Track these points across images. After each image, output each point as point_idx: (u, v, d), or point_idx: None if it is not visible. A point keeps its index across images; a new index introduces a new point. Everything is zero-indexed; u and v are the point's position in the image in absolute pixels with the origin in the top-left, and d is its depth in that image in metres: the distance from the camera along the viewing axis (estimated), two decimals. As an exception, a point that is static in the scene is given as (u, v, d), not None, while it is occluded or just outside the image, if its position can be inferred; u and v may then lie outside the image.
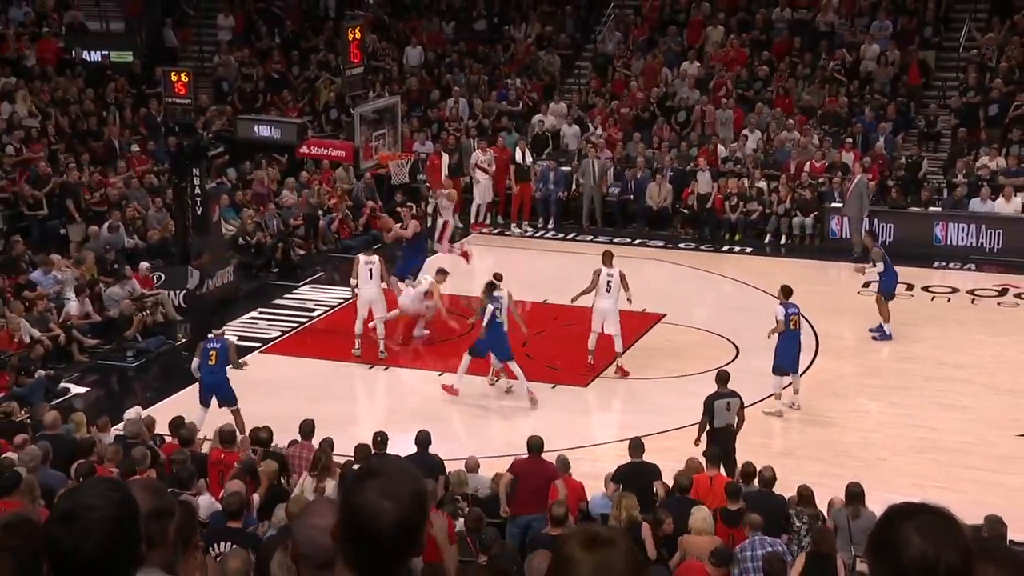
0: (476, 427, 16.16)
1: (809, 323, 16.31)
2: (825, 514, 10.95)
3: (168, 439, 12.80)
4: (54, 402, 15.23)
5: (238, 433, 12.60)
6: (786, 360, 15.26)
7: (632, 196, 24.07)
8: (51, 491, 9.71)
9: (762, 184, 23.53)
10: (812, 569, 9.56)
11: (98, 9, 29.06)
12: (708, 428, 13.05)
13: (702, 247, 22.95)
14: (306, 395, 15.65)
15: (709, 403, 13.08)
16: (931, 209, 22.67)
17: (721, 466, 11.99)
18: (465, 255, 19.41)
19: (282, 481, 11.65)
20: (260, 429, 12.33)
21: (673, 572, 9.63)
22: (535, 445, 11.57)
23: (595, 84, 27.22)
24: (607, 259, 16.65)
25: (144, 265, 19.24)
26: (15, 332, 16.50)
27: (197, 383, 14.71)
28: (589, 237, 23.42)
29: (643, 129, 25.47)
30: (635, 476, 11.42)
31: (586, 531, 2.63)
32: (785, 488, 11.22)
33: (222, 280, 19.59)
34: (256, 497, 10.81)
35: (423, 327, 17.86)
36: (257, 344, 17.78)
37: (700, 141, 25.01)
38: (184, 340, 18.00)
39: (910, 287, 19.72)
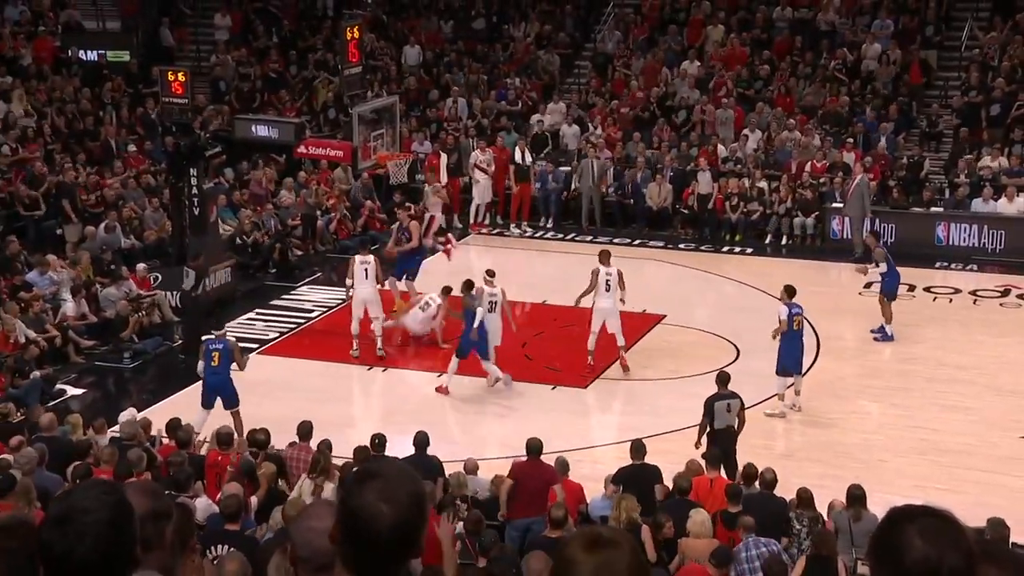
0: (475, 428, 16.16)
1: (810, 324, 16.31)
2: (825, 516, 10.94)
3: (165, 441, 12.80)
4: (50, 404, 15.23)
5: (235, 435, 12.61)
6: (789, 361, 15.26)
7: (632, 200, 24.05)
8: (47, 493, 9.70)
9: (763, 184, 23.53)
10: (813, 572, 9.56)
11: (94, 8, 29.07)
12: (708, 430, 13.05)
13: (702, 247, 22.96)
14: (304, 396, 15.65)
15: (709, 405, 13.08)
16: (933, 209, 22.67)
17: (722, 468, 11.99)
18: (447, 252, 19.34)
19: (280, 483, 11.67)
20: (258, 431, 12.33)
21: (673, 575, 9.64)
22: (534, 447, 11.57)
23: (595, 84, 27.23)
24: (604, 258, 16.66)
25: (141, 266, 19.24)
26: (10, 333, 16.48)
27: (199, 384, 14.70)
28: (589, 238, 23.42)
29: (643, 129, 25.48)
30: (636, 478, 11.42)
31: (588, 532, 2.63)
32: (786, 490, 11.22)
33: (219, 281, 19.59)
34: (254, 499, 10.82)
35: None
36: (255, 345, 17.77)
37: (700, 141, 25.02)
38: (180, 342, 18.00)
39: (912, 288, 19.73)
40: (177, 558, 3.28)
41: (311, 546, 2.99)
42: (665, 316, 18.80)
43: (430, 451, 12.09)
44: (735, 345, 17.52)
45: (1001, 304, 19.92)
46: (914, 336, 18.12)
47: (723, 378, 13.39)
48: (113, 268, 19.12)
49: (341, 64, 21.44)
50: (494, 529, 10.44)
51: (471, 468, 12.13)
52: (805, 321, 15.71)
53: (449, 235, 20.46)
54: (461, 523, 10.37)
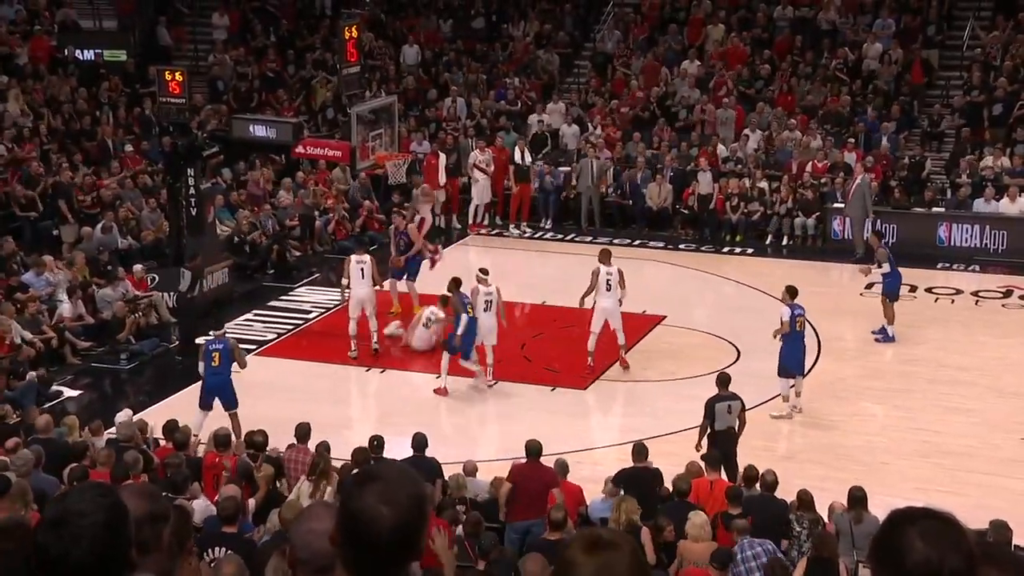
0: (473, 430, 16.17)
1: (811, 325, 16.32)
2: (826, 519, 10.95)
3: (162, 443, 12.79)
4: (46, 405, 15.23)
5: (233, 437, 12.60)
6: (791, 362, 15.27)
7: (631, 200, 24.05)
8: (43, 495, 9.70)
9: (763, 184, 23.54)
10: (813, 574, 9.57)
11: (91, 7, 29.06)
12: (709, 431, 13.05)
13: (702, 248, 22.96)
14: (302, 398, 15.65)
15: (710, 406, 13.08)
16: (934, 210, 22.67)
17: (722, 470, 12.00)
18: (433, 261, 19.26)
19: (278, 485, 11.67)
20: (255, 433, 12.32)
21: (673, 578, 9.65)
22: (534, 449, 11.57)
23: (594, 83, 27.23)
24: (605, 257, 16.69)
25: (138, 267, 19.23)
26: (6, 334, 16.47)
27: (196, 386, 14.69)
28: (588, 238, 23.42)
29: (643, 129, 25.49)
30: (636, 480, 11.42)
31: (589, 534, 2.64)
32: (787, 492, 11.22)
33: (216, 282, 19.59)
34: (252, 502, 10.81)
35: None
36: (252, 346, 17.75)
37: (700, 141, 25.02)
38: (177, 343, 17.99)
39: (913, 288, 19.73)
40: (175, 561, 3.28)
41: (310, 548, 3.00)
42: (665, 317, 18.80)
43: (428, 453, 12.09)
44: (735, 346, 17.52)
45: (1003, 305, 19.92)
46: (916, 337, 18.12)
47: (724, 379, 13.39)
48: (109, 269, 19.11)
49: (339, 63, 21.44)
50: (493, 531, 10.44)
51: (470, 470, 12.12)
52: (806, 322, 15.71)
53: (437, 244, 20.44)
54: (460, 526, 10.38)
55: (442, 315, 17.15)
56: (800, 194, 23.21)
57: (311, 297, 20.37)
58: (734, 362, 16.66)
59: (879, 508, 10.61)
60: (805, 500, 10.89)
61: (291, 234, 22.34)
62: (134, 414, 13.91)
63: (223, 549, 8.89)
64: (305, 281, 21.19)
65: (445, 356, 16.16)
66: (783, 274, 19.47)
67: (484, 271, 16.40)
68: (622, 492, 11.14)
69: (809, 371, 16.29)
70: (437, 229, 23.92)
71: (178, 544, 3.30)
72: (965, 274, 21.42)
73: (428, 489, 9.81)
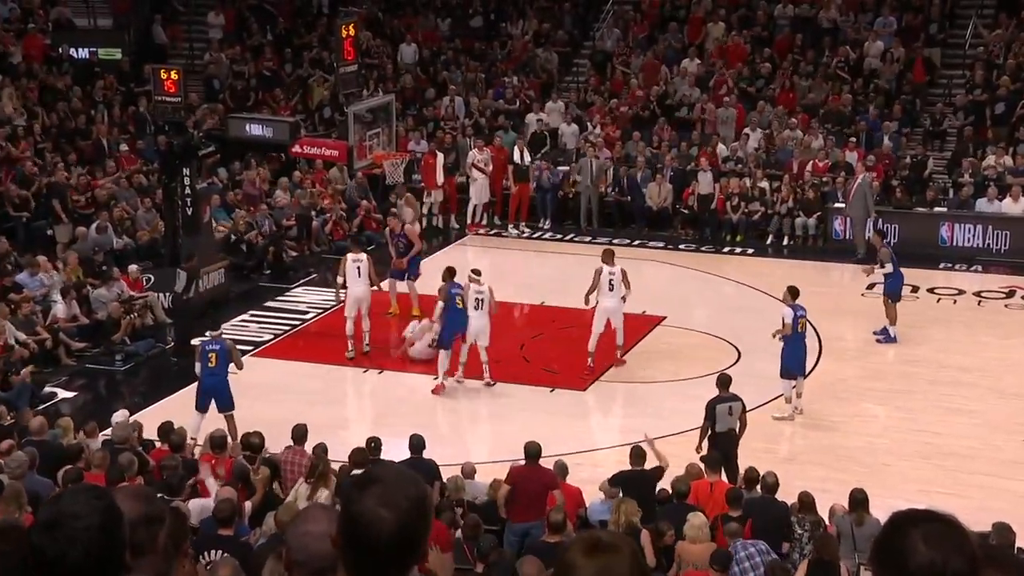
0: (472, 431, 16.19)
1: (812, 326, 16.32)
2: (827, 521, 10.95)
3: (158, 444, 12.77)
4: (40, 407, 15.21)
5: (229, 439, 12.60)
6: (793, 363, 15.28)
7: (629, 197, 24.03)
8: (38, 498, 9.70)
9: (764, 184, 23.54)
10: (815, 576, 9.58)
11: (86, 5, 29.04)
12: (709, 433, 13.05)
13: (703, 248, 22.96)
14: (299, 399, 15.64)
15: (711, 407, 13.08)
16: (936, 209, 22.68)
17: (723, 472, 11.99)
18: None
19: (274, 487, 11.67)
20: (252, 434, 12.31)
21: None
22: (533, 451, 11.56)
23: (593, 82, 27.23)
24: (608, 257, 16.73)
25: (133, 267, 19.21)
26: (0, 335, 16.47)
27: (192, 387, 14.68)
28: (588, 238, 23.42)
29: (642, 128, 25.48)
30: (634, 483, 11.42)
31: (588, 537, 2.64)
32: (788, 494, 11.22)
33: (212, 282, 19.58)
34: (248, 504, 10.81)
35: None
36: (249, 347, 17.75)
37: (701, 141, 25.01)
38: (172, 344, 17.97)
39: (915, 289, 19.73)
40: (170, 563, 3.28)
41: (307, 551, 2.99)
42: (665, 317, 18.80)
43: (426, 454, 12.08)
44: (736, 347, 17.52)
45: (1006, 305, 19.93)
46: (917, 338, 18.13)
47: (724, 380, 13.40)
48: (104, 269, 19.10)
49: (336, 62, 21.42)
50: (492, 534, 10.43)
51: (468, 472, 12.12)
52: (807, 323, 15.72)
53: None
54: (459, 528, 10.38)
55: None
56: (798, 192, 23.18)
57: (308, 298, 20.36)
58: (734, 363, 16.66)
59: (881, 510, 10.61)
60: (807, 502, 10.90)
61: (288, 234, 22.32)
62: (130, 416, 13.89)
63: (219, 552, 8.89)
64: (302, 282, 21.18)
65: (442, 354, 16.19)
66: (784, 274, 19.48)
67: (476, 272, 16.42)
68: (620, 494, 11.14)
69: (810, 372, 16.30)
70: (435, 229, 23.95)
71: (174, 546, 3.29)
72: (967, 274, 21.43)
73: (430, 492, 9.84)
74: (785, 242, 23.10)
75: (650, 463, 11.86)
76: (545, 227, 24.23)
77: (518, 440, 12.07)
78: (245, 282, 20.88)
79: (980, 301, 20.11)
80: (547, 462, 11.75)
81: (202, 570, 8.13)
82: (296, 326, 19.07)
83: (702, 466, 11.82)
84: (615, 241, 22.65)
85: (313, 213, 22.92)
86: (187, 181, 18.64)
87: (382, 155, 20.21)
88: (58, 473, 10.99)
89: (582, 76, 28.02)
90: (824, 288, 20.10)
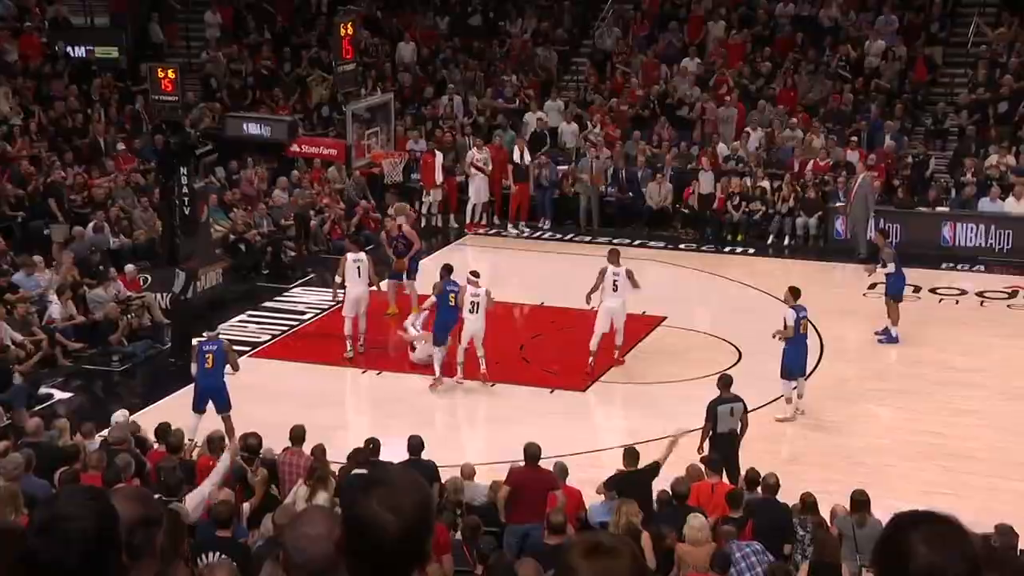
0: (471, 432, 16.19)
1: (814, 326, 16.32)
2: (828, 522, 10.95)
3: (155, 446, 12.76)
4: (37, 408, 15.20)
5: (227, 440, 12.58)
6: (795, 364, 15.29)
7: (629, 193, 23.99)
8: (34, 500, 9.69)
9: (765, 183, 23.53)
10: (817, 579, 9.59)
11: (82, 4, 29.03)
12: (711, 434, 13.05)
13: (703, 248, 22.95)
14: (297, 400, 15.63)
15: (712, 408, 13.08)
16: (939, 209, 22.66)
17: (724, 473, 11.99)
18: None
19: (272, 489, 11.67)
20: (249, 435, 12.32)
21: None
22: (532, 453, 11.57)
23: (593, 81, 27.22)
24: (613, 257, 16.78)
25: (130, 267, 19.19)
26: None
27: (190, 388, 14.68)
28: (588, 238, 23.42)
29: (643, 127, 25.48)
30: (629, 484, 11.43)
31: (588, 539, 2.64)
32: (790, 495, 11.22)
33: (209, 283, 19.57)
34: (246, 506, 10.81)
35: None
36: (246, 348, 17.76)
37: (702, 140, 24.98)
38: (170, 344, 17.96)
39: (917, 289, 19.71)
40: (168, 565, 3.28)
41: (305, 553, 2.99)
42: (666, 318, 18.79)
43: (425, 455, 12.08)
44: (737, 347, 17.52)
45: (1009, 306, 19.92)
46: (920, 338, 18.12)
47: (726, 381, 13.39)
48: (101, 269, 19.08)
49: (335, 61, 21.43)
50: (491, 535, 10.44)
51: (468, 473, 12.12)
52: (809, 323, 15.73)
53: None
54: (459, 530, 10.38)
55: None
56: (798, 192, 23.17)
57: (306, 298, 20.35)
58: (735, 363, 16.66)
59: (883, 512, 10.61)
60: (809, 503, 10.90)
61: (286, 234, 22.30)
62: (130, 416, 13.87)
63: (217, 553, 8.89)
64: (300, 282, 21.17)
65: (437, 351, 16.21)
66: (785, 274, 19.49)
67: (475, 273, 16.45)
68: (615, 494, 11.16)
69: (812, 372, 16.31)
70: (434, 229, 23.94)
71: (171, 548, 3.30)
72: (970, 274, 21.41)
73: (434, 495, 9.84)
74: (786, 242, 23.09)
75: (643, 462, 11.86)
76: (545, 227, 24.22)
77: (517, 441, 12.07)
78: (243, 282, 20.87)
79: (983, 301, 20.10)
80: (547, 463, 11.76)
81: (199, 572, 8.13)
82: (294, 326, 19.06)
83: (702, 467, 11.82)
84: (615, 241, 22.63)
85: (311, 213, 22.91)
86: (184, 180, 18.64)
87: (381, 154, 20.23)
88: (55, 475, 10.98)
89: (582, 75, 28.01)
90: (826, 288, 20.09)
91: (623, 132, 25.37)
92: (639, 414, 15.94)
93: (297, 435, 12.22)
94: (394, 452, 12.21)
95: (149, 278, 19.18)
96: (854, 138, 24.16)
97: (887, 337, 17.96)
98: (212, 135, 20.91)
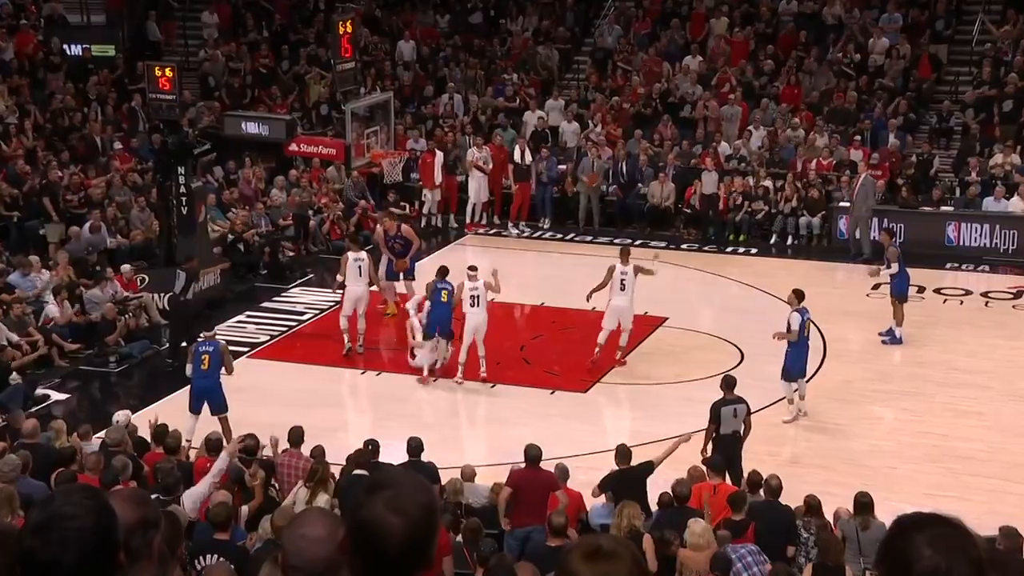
0: (471, 434, 16.19)
1: (816, 327, 16.33)
2: (832, 525, 10.95)
3: (153, 447, 12.76)
4: (33, 409, 15.20)
5: (225, 441, 12.58)
6: (797, 366, 15.30)
7: (629, 188, 23.94)
8: (31, 502, 9.70)
9: (768, 183, 23.53)
10: (820, 581, 9.59)
11: (79, 1, 29.02)
12: (714, 436, 13.05)
13: (705, 248, 22.93)
14: (295, 401, 15.63)
15: (716, 410, 13.07)
16: (943, 209, 22.66)
17: (726, 474, 11.99)
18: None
19: (270, 491, 11.67)
20: (247, 437, 12.32)
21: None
22: (533, 455, 11.57)
23: (594, 79, 27.21)
24: (623, 256, 16.84)
25: (126, 267, 19.17)
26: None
27: (187, 389, 14.68)
28: (588, 238, 23.42)
29: (644, 126, 25.47)
30: (623, 483, 11.45)
31: (589, 542, 2.64)
32: (792, 498, 11.22)
33: (206, 284, 19.56)
34: (245, 509, 10.80)
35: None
36: (245, 349, 17.76)
37: (705, 140, 24.96)
38: (167, 345, 17.96)
39: (921, 289, 19.71)
40: (165, 568, 3.28)
41: (303, 555, 2.99)
42: (667, 319, 18.78)
43: (424, 457, 12.08)
44: (739, 348, 17.52)
45: (1013, 306, 19.92)
46: (924, 339, 18.13)
47: (729, 382, 13.38)
48: (98, 269, 19.07)
49: (333, 59, 21.44)
50: (492, 538, 10.44)
51: (468, 475, 12.12)
52: (812, 324, 15.74)
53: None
54: (460, 532, 10.38)
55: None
56: (801, 191, 23.17)
57: (304, 298, 20.35)
58: (738, 364, 16.66)
59: (886, 514, 10.61)
60: (813, 505, 10.90)
61: (284, 234, 22.30)
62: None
63: (215, 556, 8.89)
64: (299, 282, 21.17)
65: (427, 345, 16.37)
66: (787, 274, 19.48)
67: (473, 268, 16.52)
68: (610, 494, 11.17)
69: (815, 373, 16.31)
70: (434, 229, 23.94)
71: (169, 551, 3.30)
72: (974, 275, 21.41)
73: (438, 499, 9.83)
74: (789, 242, 23.09)
75: (636, 460, 11.86)
76: (545, 227, 24.22)
77: (518, 443, 12.07)
78: (241, 283, 20.86)
79: (987, 302, 20.10)
80: (547, 465, 11.75)
81: (197, 575, 8.13)
82: (293, 327, 19.06)
83: (704, 469, 11.81)
84: (616, 241, 22.64)
85: (310, 212, 22.90)
86: (182, 180, 18.64)
87: (380, 153, 20.24)
88: (51, 476, 10.98)
89: (583, 73, 28.00)
90: (829, 288, 20.10)
91: (625, 131, 25.36)
92: (641, 415, 15.94)
93: (296, 437, 12.22)
94: (393, 454, 12.21)
95: (147, 278, 19.16)
96: (857, 137, 24.15)
97: (891, 338, 17.96)
98: (210, 134, 20.95)
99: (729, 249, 22.94)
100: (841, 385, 16.53)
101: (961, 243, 22.25)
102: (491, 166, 23.99)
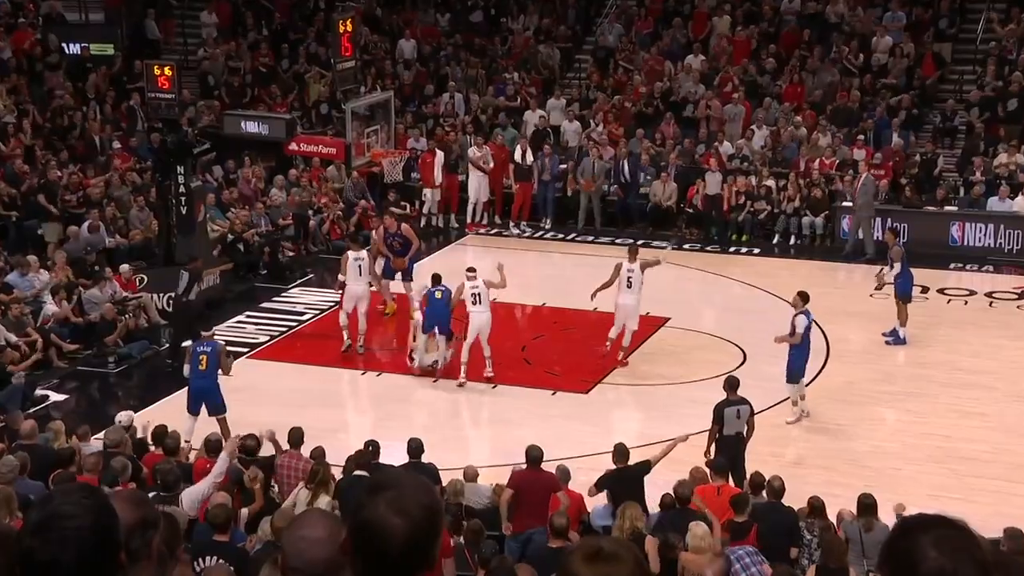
0: (472, 435, 16.18)
1: (819, 327, 16.33)
2: (835, 527, 10.95)
3: (152, 448, 12.76)
4: (31, 410, 15.20)
5: (224, 442, 12.57)
6: (800, 367, 15.31)
7: (629, 189, 23.93)
8: (29, 503, 9.70)
9: (770, 182, 23.51)
10: (823, 583, 9.58)
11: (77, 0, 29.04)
12: (717, 437, 13.05)
13: (708, 248, 22.92)
14: (295, 402, 15.62)
15: (719, 411, 13.07)
16: (947, 208, 22.65)
17: (729, 476, 11.99)
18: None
19: (270, 492, 11.67)
20: (247, 437, 12.33)
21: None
22: (534, 456, 11.57)
23: (595, 78, 27.20)
24: (631, 253, 16.89)
25: (125, 267, 19.17)
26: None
27: (186, 390, 14.68)
28: (590, 238, 23.41)
29: (646, 125, 25.46)
30: (619, 482, 11.44)
31: (590, 544, 2.64)
32: (795, 499, 11.22)
33: (207, 283, 19.55)
34: (245, 511, 10.80)
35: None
36: (245, 349, 17.77)
37: (708, 139, 24.94)
38: (167, 345, 17.97)
39: (925, 289, 19.71)
40: (165, 568, 3.28)
41: (303, 556, 2.99)
42: (669, 319, 18.78)
43: (424, 458, 12.07)
44: (741, 349, 17.52)
45: (1018, 307, 19.90)
46: (928, 340, 18.12)
47: (732, 383, 13.38)
48: (96, 269, 19.07)
49: (334, 58, 21.44)
50: (493, 539, 10.44)
51: (471, 475, 12.12)
52: (815, 325, 15.75)
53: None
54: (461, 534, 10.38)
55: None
56: (804, 190, 23.15)
57: (304, 299, 20.35)
58: (740, 365, 16.66)
59: (890, 516, 10.62)
60: (817, 507, 10.90)
61: (284, 234, 22.30)
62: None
63: (214, 558, 8.89)
64: (299, 282, 21.16)
65: (422, 338, 16.45)
66: (790, 275, 19.47)
67: (471, 269, 16.55)
68: (607, 493, 11.19)
69: (818, 374, 16.32)
70: (435, 228, 23.94)
71: (167, 551, 3.29)
72: (978, 275, 21.41)
73: (441, 500, 9.83)
74: (792, 242, 23.08)
75: (656, 467, 11.87)
76: (546, 227, 24.21)
77: (519, 444, 12.07)
78: (241, 283, 20.86)
79: (992, 302, 20.10)
80: (549, 466, 11.75)
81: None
82: (293, 327, 19.06)
83: (707, 470, 11.81)
84: (618, 241, 22.64)
85: (310, 212, 22.90)
86: (181, 179, 18.64)
87: (380, 153, 20.23)
88: (49, 478, 10.98)
89: (584, 73, 28.00)
90: (832, 289, 20.10)
91: (626, 130, 25.35)
92: (643, 416, 15.94)
93: (296, 438, 12.22)
94: (394, 455, 12.21)
95: (146, 278, 19.16)
96: (861, 136, 24.13)
97: (894, 338, 17.96)
98: (210, 133, 20.95)
99: (732, 249, 22.92)
100: (844, 386, 16.52)
101: (965, 243, 22.24)
102: (491, 165, 23.99)
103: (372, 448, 12.01)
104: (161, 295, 18.79)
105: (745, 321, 18.58)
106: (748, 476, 12.02)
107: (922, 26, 26.42)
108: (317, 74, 27.15)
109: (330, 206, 23.20)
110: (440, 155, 23.93)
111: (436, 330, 16.48)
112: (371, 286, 17.73)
